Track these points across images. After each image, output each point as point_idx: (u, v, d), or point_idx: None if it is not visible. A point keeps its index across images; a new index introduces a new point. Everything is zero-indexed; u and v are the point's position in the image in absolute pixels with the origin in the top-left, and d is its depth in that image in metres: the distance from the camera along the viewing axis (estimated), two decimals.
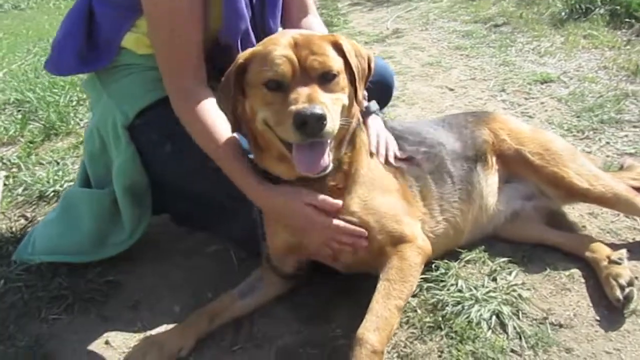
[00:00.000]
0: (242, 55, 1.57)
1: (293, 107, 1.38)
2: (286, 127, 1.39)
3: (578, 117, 3.01)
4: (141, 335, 1.77)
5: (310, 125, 1.35)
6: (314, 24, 2.05)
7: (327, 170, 1.48)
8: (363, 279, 1.74)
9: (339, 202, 1.62)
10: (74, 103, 3.81)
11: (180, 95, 1.75)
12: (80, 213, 2.00)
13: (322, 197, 1.60)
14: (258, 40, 1.89)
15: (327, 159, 1.46)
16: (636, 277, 1.75)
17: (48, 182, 2.67)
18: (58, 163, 2.90)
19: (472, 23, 5.32)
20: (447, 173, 1.89)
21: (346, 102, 1.53)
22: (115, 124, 1.88)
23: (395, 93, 3.63)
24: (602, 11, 4.66)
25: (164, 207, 2.12)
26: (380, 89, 2.19)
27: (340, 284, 1.87)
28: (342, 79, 1.53)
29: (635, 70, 3.51)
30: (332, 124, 1.41)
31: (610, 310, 1.65)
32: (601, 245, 1.87)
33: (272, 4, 1.94)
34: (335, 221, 1.61)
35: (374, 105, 1.95)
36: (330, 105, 1.43)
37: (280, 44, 1.49)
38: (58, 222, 2.04)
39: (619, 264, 1.74)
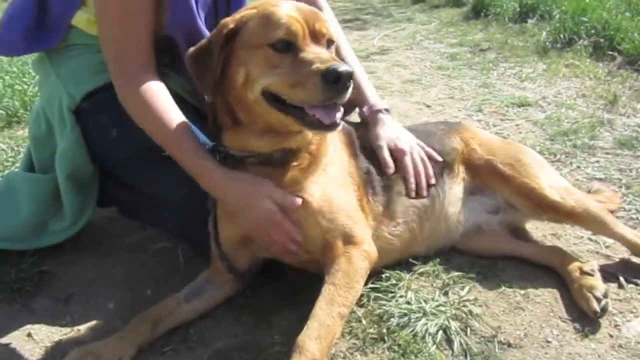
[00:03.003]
0: (231, 19, 1.46)
1: (320, 65, 1.31)
2: (309, 86, 1.31)
3: (552, 140, 2.97)
4: (68, 330, 1.67)
5: (342, 82, 1.29)
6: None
7: (339, 128, 1.39)
8: (308, 285, 1.65)
9: (299, 200, 1.53)
10: None
11: (126, 79, 1.64)
12: (19, 197, 1.89)
13: (284, 193, 1.52)
14: None
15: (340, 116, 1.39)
16: None
17: None
18: (13, 150, 2.79)
19: (457, 46, 5.32)
20: None
21: None
22: (61, 106, 1.78)
23: None
24: (585, 43, 4.67)
25: (112, 198, 2.02)
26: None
27: (284, 289, 1.79)
28: (334, 50, 1.50)
29: (613, 99, 3.49)
30: (351, 87, 1.34)
31: (562, 333, 1.58)
32: (571, 257, 1.83)
33: (237, 5, 1.86)
34: (292, 226, 1.54)
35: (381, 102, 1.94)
36: None
37: (282, 6, 1.42)
38: None
39: (592, 275, 1.70)
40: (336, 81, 1.29)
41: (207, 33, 1.77)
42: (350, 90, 1.34)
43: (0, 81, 3.65)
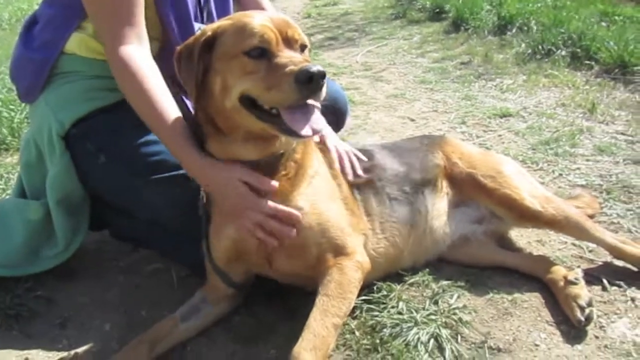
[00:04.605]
0: (209, 28, 1.51)
1: (293, 67, 1.36)
2: (283, 88, 1.36)
3: (534, 149, 3.04)
4: (64, 354, 1.68)
5: (315, 82, 1.34)
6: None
7: (321, 133, 1.43)
8: (302, 301, 1.68)
9: (275, 183, 1.55)
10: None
11: (120, 55, 1.64)
12: (12, 224, 1.91)
13: (257, 175, 1.54)
14: None
15: (322, 122, 1.43)
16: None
17: None
18: (2, 177, 2.80)
19: (439, 60, 5.40)
20: (386, 195, 1.87)
21: None
22: (50, 132, 1.81)
23: (357, 122, 3.69)
24: (563, 53, 4.79)
25: (104, 221, 2.05)
26: (333, 113, 2.18)
27: (278, 305, 1.82)
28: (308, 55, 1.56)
29: (591, 108, 3.58)
30: (326, 87, 1.40)
31: (549, 336, 1.62)
32: (557, 266, 1.87)
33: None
34: (269, 202, 1.54)
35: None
36: None
37: (256, 17, 1.48)
38: None
39: (576, 284, 1.74)
40: (309, 81, 1.34)
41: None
42: (324, 89, 1.39)
43: None
